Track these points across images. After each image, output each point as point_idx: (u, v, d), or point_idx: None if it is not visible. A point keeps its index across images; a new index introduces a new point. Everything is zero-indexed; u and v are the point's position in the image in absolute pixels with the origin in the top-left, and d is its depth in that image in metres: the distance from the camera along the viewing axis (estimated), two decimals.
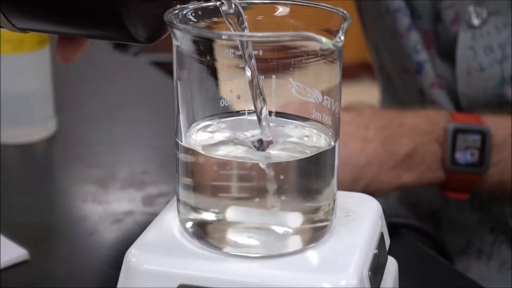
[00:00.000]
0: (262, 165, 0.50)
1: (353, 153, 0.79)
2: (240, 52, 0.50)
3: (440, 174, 0.81)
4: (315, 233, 0.52)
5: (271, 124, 0.53)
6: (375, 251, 0.54)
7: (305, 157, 0.51)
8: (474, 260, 0.91)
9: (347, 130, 0.80)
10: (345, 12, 0.52)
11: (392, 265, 0.61)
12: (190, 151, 0.52)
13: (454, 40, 0.89)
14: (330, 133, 0.52)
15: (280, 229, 0.51)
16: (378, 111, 0.85)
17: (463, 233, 0.92)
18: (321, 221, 0.53)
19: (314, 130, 0.53)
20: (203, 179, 0.52)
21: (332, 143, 0.52)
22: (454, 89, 0.90)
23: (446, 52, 0.91)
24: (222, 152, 0.52)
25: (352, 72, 2.92)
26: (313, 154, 0.51)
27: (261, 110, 0.51)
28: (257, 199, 0.50)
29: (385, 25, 0.95)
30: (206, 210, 0.52)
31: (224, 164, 0.50)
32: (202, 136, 0.53)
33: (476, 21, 0.87)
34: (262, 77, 0.52)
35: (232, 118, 0.54)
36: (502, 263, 0.90)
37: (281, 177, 0.50)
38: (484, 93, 0.87)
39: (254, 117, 0.53)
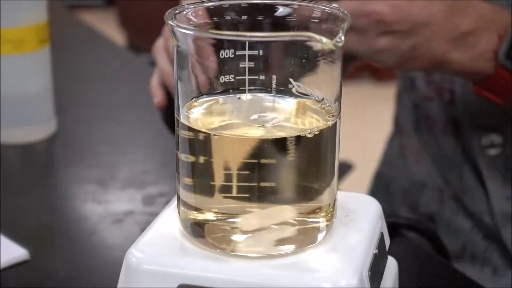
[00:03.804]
0: (261, 141, 0.50)
1: (416, 5, 0.74)
2: (240, 52, 0.51)
3: (488, 66, 0.76)
4: (315, 233, 0.52)
5: (271, 102, 0.53)
6: (375, 251, 0.54)
7: (303, 134, 0.51)
8: (469, 264, 0.91)
9: None
10: (345, 12, 0.52)
11: (392, 265, 0.61)
12: (189, 128, 0.52)
13: None
14: (329, 117, 0.52)
15: (280, 229, 0.52)
16: None
17: (458, 238, 0.92)
18: (321, 221, 0.53)
19: (315, 116, 0.53)
20: (203, 160, 0.52)
21: (331, 123, 0.52)
22: (449, 98, 0.90)
23: None
24: (223, 130, 0.52)
25: (352, 72, 2.92)
26: (310, 132, 0.51)
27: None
28: (257, 193, 0.50)
29: None
30: (206, 209, 0.52)
31: (223, 140, 0.51)
32: (203, 116, 0.53)
33: None
34: (262, 77, 0.52)
35: (231, 98, 0.53)
36: (495, 270, 0.90)
37: (279, 154, 0.50)
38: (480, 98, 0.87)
39: (253, 97, 0.53)
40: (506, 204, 0.88)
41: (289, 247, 0.52)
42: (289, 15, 0.55)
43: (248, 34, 0.52)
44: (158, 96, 0.86)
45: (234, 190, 0.51)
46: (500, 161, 0.87)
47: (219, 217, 0.52)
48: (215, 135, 0.51)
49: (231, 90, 0.53)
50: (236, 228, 0.52)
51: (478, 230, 0.91)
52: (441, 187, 0.94)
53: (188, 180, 0.53)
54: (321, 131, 0.51)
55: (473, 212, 0.91)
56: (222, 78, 0.52)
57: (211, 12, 0.54)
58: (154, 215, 0.58)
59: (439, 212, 0.94)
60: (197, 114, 0.53)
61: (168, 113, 0.83)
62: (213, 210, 0.52)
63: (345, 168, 1.69)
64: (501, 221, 0.88)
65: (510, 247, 0.88)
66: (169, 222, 0.55)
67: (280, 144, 0.51)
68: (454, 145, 0.91)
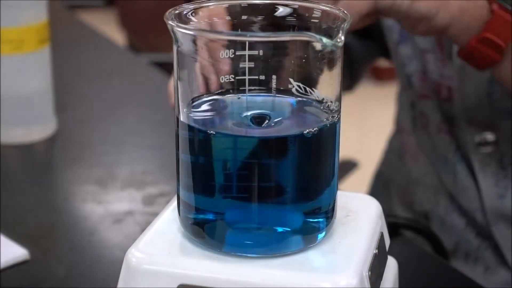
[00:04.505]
0: (261, 141, 0.50)
1: None
2: (240, 52, 0.51)
3: (484, 8, 0.74)
4: (315, 233, 0.52)
5: (271, 103, 0.53)
6: (375, 251, 0.54)
7: (302, 133, 0.51)
8: (462, 262, 0.91)
9: None
10: (345, 12, 0.52)
11: (392, 265, 0.61)
12: (189, 128, 0.52)
13: None
14: (330, 117, 0.52)
15: (280, 229, 0.52)
16: None
17: (452, 236, 0.92)
18: (321, 221, 0.53)
19: (315, 116, 0.53)
20: (203, 160, 0.52)
21: (329, 123, 0.52)
22: (446, 95, 0.90)
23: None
24: (223, 130, 0.52)
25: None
26: (310, 131, 0.51)
27: None
28: (257, 194, 0.50)
29: (388, 39, 0.96)
30: (206, 209, 0.52)
31: (223, 140, 0.51)
32: (203, 116, 0.53)
33: None
34: (262, 77, 0.52)
35: (231, 98, 0.53)
36: (487, 268, 0.90)
37: (278, 154, 0.50)
38: (476, 91, 0.87)
39: (253, 97, 0.53)
40: (498, 202, 0.88)
41: (289, 247, 0.52)
42: (289, 15, 0.55)
43: (248, 34, 0.52)
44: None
45: (234, 190, 0.51)
46: (493, 159, 0.87)
47: (219, 217, 0.52)
48: (215, 135, 0.51)
49: (231, 90, 0.53)
50: (236, 228, 0.52)
51: (471, 228, 0.91)
52: (436, 185, 0.94)
53: (188, 180, 0.53)
54: (321, 131, 0.51)
55: (467, 210, 0.91)
56: (222, 78, 0.52)
57: (211, 12, 0.54)
58: (154, 215, 0.58)
59: (433, 210, 0.95)
60: (197, 114, 0.53)
61: None
62: (213, 210, 0.52)
63: (350, 166, 1.71)
64: (493, 219, 0.89)
65: (502, 245, 0.88)
66: (169, 222, 0.55)
67: (280, 144, 0.51)
68: (448, 143, 0.92)
